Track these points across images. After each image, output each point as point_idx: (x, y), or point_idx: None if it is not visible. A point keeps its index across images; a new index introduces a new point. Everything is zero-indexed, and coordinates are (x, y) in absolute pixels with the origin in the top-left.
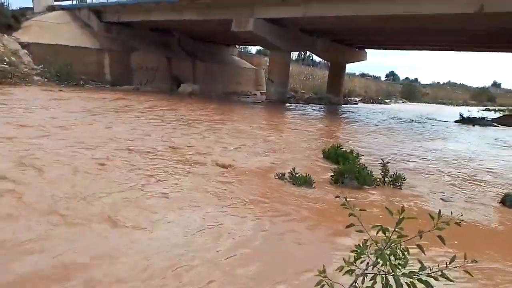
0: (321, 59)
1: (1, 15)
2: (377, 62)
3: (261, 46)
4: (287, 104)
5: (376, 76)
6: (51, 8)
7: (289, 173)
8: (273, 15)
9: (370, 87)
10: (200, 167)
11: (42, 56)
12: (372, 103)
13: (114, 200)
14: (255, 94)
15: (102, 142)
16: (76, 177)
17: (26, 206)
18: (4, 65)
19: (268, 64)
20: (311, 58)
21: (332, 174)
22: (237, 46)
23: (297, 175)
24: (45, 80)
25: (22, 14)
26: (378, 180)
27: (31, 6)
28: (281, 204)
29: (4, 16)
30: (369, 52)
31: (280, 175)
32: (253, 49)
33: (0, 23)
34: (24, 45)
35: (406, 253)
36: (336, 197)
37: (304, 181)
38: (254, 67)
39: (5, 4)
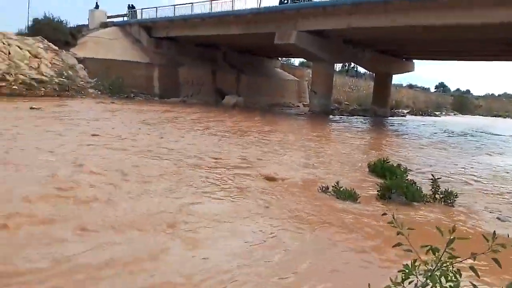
0: (366, 70)
1: (60, 33)
2: (426, 72)
3: (304, 58)
4: (331, 116)
5: (425, 87)
6: (104, 25)
7: (333, 186)
8: (315, 27)
9: (418, 98)
10: (247, 178)
11: (96, 70)
12: (421, 115)
13: (172, 207)
14: (298, 106)
15: (160, 150)
16: (139, 183)
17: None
18: (62, 79)
19: (311, 75)
20: (355, 69)
21: (379, 189)
22: (280, 58)
23: (341, 189)
24: (99, 92)
25: (78, 31)
26: (428, 196)
27: (87, 23)
28: (326, 219)
29: (62, 33)
30: (417, 62)
31: (324, 188)
32: (296, 61)
33: (59, 40)
34: (80, 60)
35: (458, 275)
36: (383, 214)
37: (348, 196)
38: (297, 79)
39: (64, 22)
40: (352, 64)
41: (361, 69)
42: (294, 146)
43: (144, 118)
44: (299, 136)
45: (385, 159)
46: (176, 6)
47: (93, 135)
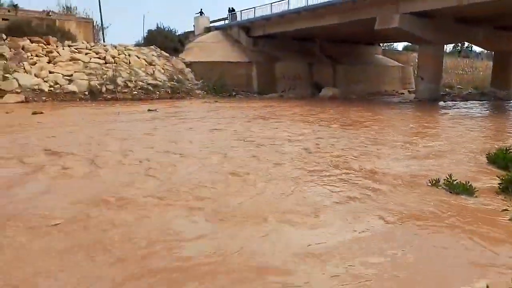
0: (482, 49)
1: (170, 40)
2: None
3: (408, 42)
4: (441, 103)
5: None
6: (208, 30)
7: (444, 179)
8: (421, 8)
9: None
10: (353, 172)
11: (201, 72)
12: None
13: (281, 195)
14: (402, 93)
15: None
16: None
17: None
18: (173, 83)
19: (416, 60)
20: (470, 48)
21: (500, 182)
22: (380, 44)
23: (455, 182)
24: (204, 93)
25: (185, 37)
26: None
27: (193, 29)
28: (436, 215)
29: (172, 41)
30: None
31: (434, 181)
32: (400, 46)
33: (169, 47)
34: (187, 64)
35: None
36: (503, 210)
37: (463, 189)
38: (401, 65)
39: (173, 30)
40: (466, 44)
41: (477, 48)
42: (401, 137)
43: (252, 113)
44: (405, 126)
45: (508, 148)
46: (272, 4)
47: (213, 129)
